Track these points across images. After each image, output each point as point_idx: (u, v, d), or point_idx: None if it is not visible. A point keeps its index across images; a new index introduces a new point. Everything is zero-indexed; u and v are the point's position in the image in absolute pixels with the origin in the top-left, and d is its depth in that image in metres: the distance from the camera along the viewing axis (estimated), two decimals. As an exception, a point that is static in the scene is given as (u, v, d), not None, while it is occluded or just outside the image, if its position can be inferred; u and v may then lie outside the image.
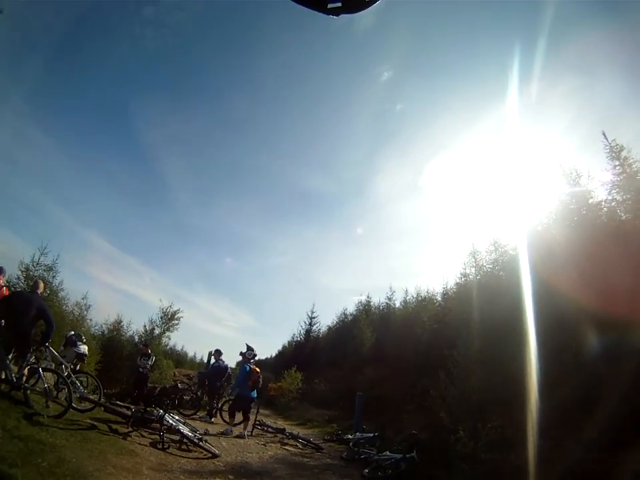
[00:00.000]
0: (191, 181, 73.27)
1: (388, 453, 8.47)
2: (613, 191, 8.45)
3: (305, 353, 27.92)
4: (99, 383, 9.16)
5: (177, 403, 12.19)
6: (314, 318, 31.16)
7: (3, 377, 6.61)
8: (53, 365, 7.89)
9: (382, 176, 69.34)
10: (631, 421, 5.34)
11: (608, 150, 8.49)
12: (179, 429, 7.63)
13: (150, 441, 7.40)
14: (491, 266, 12.78)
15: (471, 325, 10.16)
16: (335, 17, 1.15)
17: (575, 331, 7.22)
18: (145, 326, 19.07)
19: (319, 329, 30.94)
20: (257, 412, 11.70)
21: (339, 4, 1.08)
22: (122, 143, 61.04)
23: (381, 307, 25.28)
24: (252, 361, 11.13)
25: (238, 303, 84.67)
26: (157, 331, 19.12)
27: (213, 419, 11.90)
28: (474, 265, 14.13)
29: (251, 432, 10.83)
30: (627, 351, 6.19)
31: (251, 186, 74.92)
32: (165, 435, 7.31)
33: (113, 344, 16.58)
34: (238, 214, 76.99)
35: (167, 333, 19.64)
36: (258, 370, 11.06)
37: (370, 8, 1.12)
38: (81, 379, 8.79)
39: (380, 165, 67.60)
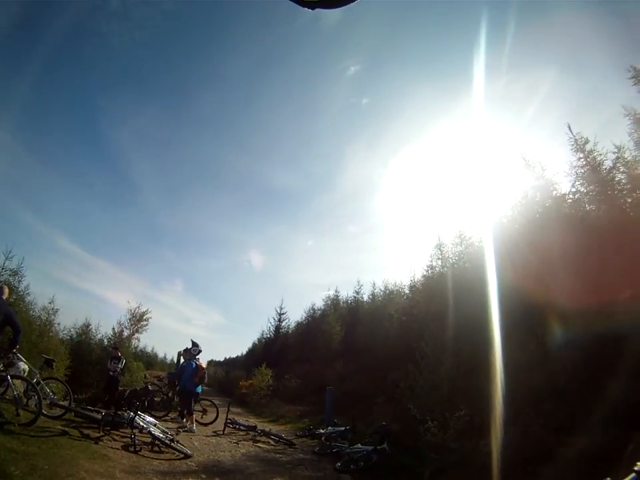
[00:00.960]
0: (160, 182, 72.53)
1: (360, 445, 8.62)
2: (577, 183, 8.67)
3: (275, 349, 27.96)
4: (68, 388, 9.00)
5: (148, 405, 12.10)
6: (283, 314, 31.14)
7: None
8: (23, 372, 7.80)
9: (349, 170, 70.01)
10: (595, 405, 5.51)
11: (572, 142, 8.66)
12: (150, 431, 7.65)
13: (122, 444, 7.37)
14: (457, 258, 13.08)
15: (439, 317, 10.41)
16: (310, 10, 1.10)
17: (540, 320, 7.49)
18: (113, 328, 18.71)
19: (289, 325, 30.92)
20: (228, 410, 11.75)
21: None
22: (89, 144, 59.97)
23: (349, 301, 25.55)
24: (197, 357, 11.32)
25: (207, 302, 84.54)
26: (125, 333, 18.86)
27: (184, 419, 11.84)
28: (440, 257, 14.43)
29: (223, 431, 10.94)
30: (591, 339, 6.42)
31: (219, 184, 74.62)
32: (136, 437, 7.30)
33: (81, 348, 16.27)
34: (206, 213, 76.62)
35: (136, 335, 19.34)
36: (204, 366, 11.40)
37: (347, 5, 1.06)
38: (50, 385, 8.69)
39: (347, 159, 68.14)
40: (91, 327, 18.36)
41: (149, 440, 7.62)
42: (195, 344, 11.36)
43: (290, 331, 30.24)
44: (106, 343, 17.14)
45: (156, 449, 7.49)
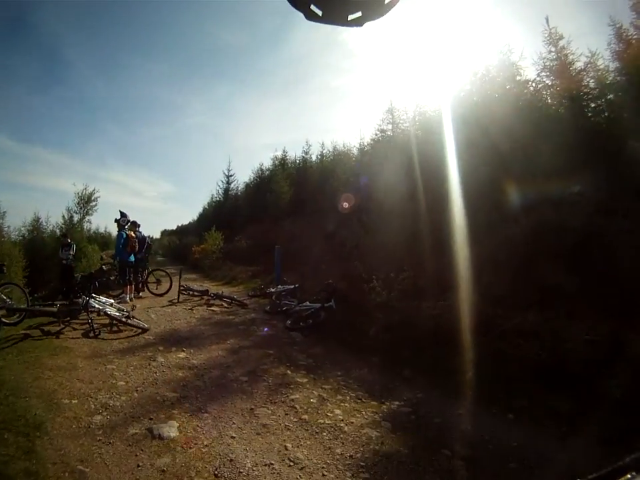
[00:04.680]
0: (91, 50, 65.21)
1: (308, 303, 9.20)
2: (543, 74, 8.79)
3: (225, 212, 28.48)
4: (23, 290, 9.33)
5: (104, 285, 12.46)
6: (231, 176, 31.44)
7: None
8: None
9: (300, 27, 64.74)
10: (533, 284, 5.99)
11: (547, 35, 8.74)
12: (106, 312, 8.03)
13: (82, 331, 7.72)
14: (409, 124, 13.16)
15: (387, 179, 10.65)
16: (359, 27, 1.03)
17: (490, 193, 7.86)
18: (63, 216, 18.66)
19: (237, 187, 31.29)
20: (180, 277, 12.24)
21: (359, 13, 0.98)
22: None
23: (298, 161, 25.63)
24: (126, 227, 11.53)
25: (156, 172, 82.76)
26: (76, 218, 18.73)
27: (141, 294, 12.46)
28: (391, 121, 14.44)
29: (177, 299, 11.58)
30: (534, 208, 6.97)
31: (158, 45, 68.01)
32: (93, 321, 7.66)
33: (35, 245, 16.50)
34: (147, 78, 71.13)
35: (87, 217, 19.25)
36: (134, 235, 11.62)
37: (391, 10, 0.97)
38: (5, 291, 8.81)
39: (299, 15, 62.47)
40: (40, 220, 18.49)
41: (107, 321, 8.05)
42: (122, 214, 11.47)
43: (239, 193, 30.54)
44: (59, 234, 16.90)
45: (115, 329, 7.92)
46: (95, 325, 7.65)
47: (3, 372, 5.37)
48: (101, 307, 8.19)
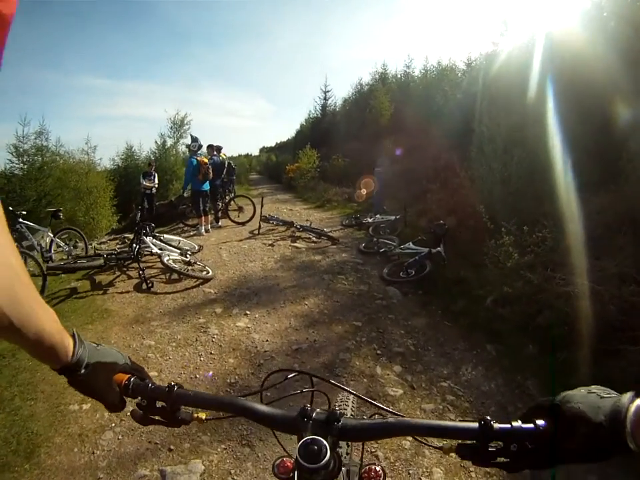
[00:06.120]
0: None
1: (411, 244, 7.44)
2: None
3: (322, 129, 26.96)
4: (82, 234, 8.70)
5: (183, 215, 11.88)
6: (328, 92, 29.49)
7: None
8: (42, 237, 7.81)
9: None
10: None
11: None
12: (162, 259, 6.71)
13: (135, 282, 6.68)
14: (528, 38, 10.52)
15: (504, 99, 8.44)
16: None
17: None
18: (155, 141, 18.97)
19: (335, 102, 29.53)
20: (262, 205, 10.84)
21: None
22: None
23: (399, 76, 23.76)
24: (198, 152, 10.17)
25: (251, 92, 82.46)
26: (169, 143, 19.08)
27: (220, 223, 11.42)
28: (505, 33, 11.84)
29: (258, 230, 10.34)
30: None
31: None
32: (144, 273, 6.47)
33: (128, 172, 17.13)
34: (233, 4, 68.91)
35: (181, 141, 19.49)
36: (206, 161, 10.19)
37: None
38: (63, 236, 8.44)
39: None
40: (133, 148, 18.98)
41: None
42: (193, 138, 10.19)
43: (337, 109, 28.94)
44: (153, 158, 17.14)
45: (175, 276, 6.76)
46: (146, 276, 6.46)
47: (23, 354, 4.27)
48: (158, 251, 6.93)
